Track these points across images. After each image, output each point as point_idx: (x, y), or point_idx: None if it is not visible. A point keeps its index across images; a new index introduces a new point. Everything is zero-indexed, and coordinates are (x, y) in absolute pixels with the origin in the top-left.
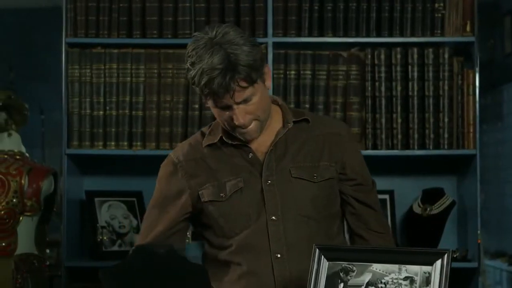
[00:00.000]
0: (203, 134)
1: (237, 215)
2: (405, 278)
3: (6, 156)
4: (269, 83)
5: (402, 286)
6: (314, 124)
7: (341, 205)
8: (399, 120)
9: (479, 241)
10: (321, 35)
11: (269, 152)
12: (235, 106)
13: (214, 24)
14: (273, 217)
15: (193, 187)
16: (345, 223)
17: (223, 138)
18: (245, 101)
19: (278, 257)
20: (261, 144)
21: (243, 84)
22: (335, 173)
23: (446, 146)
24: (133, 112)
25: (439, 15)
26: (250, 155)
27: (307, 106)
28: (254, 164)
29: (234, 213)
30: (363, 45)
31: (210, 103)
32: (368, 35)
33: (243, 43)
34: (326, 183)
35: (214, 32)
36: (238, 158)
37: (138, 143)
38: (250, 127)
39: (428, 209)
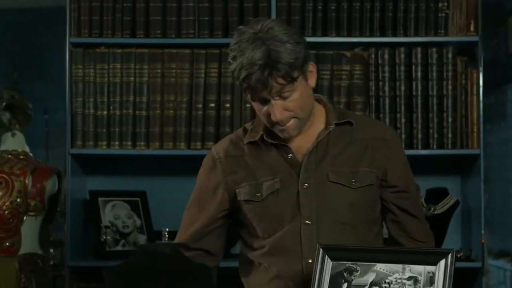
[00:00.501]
0: (245, 130)
1: (271, 216)
2: (409, 278)
3: (10, 156)
4: (312, 81)
5: (406, 286)
6: (358, 127)
7: (381, 211)
8: (403, 120)
9: (482, 241)
10: (324, 34)
11: (309, 154)
12: (272, 102)
13: (261, 18)
14: (307, 221)
15: (230, 184)
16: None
17: (264, 136)
18: (283, 97)
19: (310, 263)
20: (302, 145)
21: (281, 81)
22: (375, 179)
23: (450, 146)
24: (137, 112)
25: (443, 14)
26: (290, 155)
27: None
28: (293, 165)
29: (268, 214)
30: (366, 45)
31: (249, 97)
32: (371, 35)
33: (286, 40)
34: (365, 189)
35: (259, 27)
36: (277, 158)
37: (142, 143)
38: (288, 124)
39: (432, 208)
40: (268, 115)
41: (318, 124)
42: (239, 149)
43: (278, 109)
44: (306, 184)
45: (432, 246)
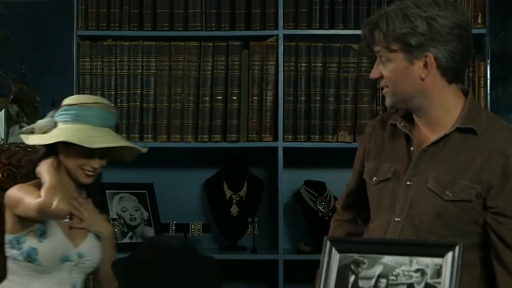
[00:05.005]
0: (396, 111)
1: (377, 203)
2: (416, 270)
3: (17, 149)
4: (417, 67)
5: (413, 278)
6: (483, 135)
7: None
8: None
9: None
10: (332, 27)
11: (422, 152)
12: (378, 59)
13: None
14: (397, 219)
15: (364, 159)
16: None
17: (397, 122)
18: (382, 61)
19: None
20: (424, 140)
21: (380, 40)
22: (476, 196)
23: None
24: (144, 105)
25: None
26: (412, 148)
27: (318, 98)
28: (411, 157)
29: (376, 201)
30: None
31: None
32: None
33: (407, 14)
34: (457, 204)
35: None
36: (404, 147)
37: (149, 136)
38: (384, 91)
39: None
40: None
41: (447, 120)
42: (383, 127)
43: (375, 67)
44: (409, 182)
45: None
